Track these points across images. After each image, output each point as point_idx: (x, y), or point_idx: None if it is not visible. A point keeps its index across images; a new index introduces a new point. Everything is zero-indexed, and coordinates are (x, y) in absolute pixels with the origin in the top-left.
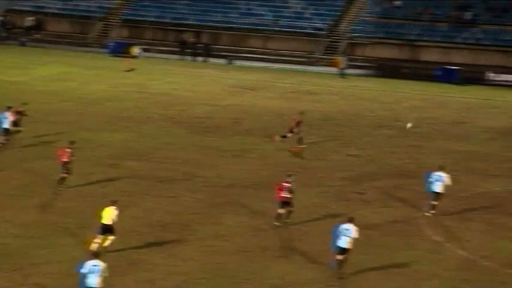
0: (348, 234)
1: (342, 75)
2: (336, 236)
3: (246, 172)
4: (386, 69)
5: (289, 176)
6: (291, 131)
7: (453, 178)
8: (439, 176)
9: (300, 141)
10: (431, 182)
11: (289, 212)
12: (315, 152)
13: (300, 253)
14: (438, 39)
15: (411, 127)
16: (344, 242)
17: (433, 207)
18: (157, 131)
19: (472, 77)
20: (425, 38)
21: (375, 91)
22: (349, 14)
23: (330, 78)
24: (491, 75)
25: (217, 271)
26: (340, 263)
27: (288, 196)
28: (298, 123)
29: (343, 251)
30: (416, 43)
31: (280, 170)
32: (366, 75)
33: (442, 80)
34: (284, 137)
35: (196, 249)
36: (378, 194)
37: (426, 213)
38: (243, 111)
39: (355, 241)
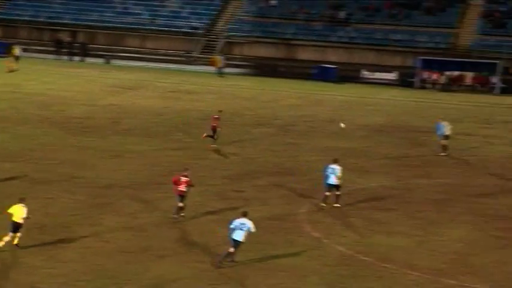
0: (243, 229)
1: (220, 74)
2: (231, 229)
3: (125, 172)
4: (264, 68)
5: (186, 169)
6: (215, 130)
7: None
8: (333, 168)
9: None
10: (326, 175)
11: (182, 208)
12: (196, 151)
13: (182, 252)
14: (313, 38)
15: (343, 127)
16: (239, 236)
17: (330, 198)
18: (34, 132)
19: (347, 75)
20: (300, 37)
21: (253, 90)
22: (226, 13)
23: (209, 77)
24: (366, 74)
25: (98, 272)
26: (228, 255)
27: (184, 190)
28: (216, 120)
29: (237, 243)
30: (292, 42)
31: (159, 169)
32: (244, 74)
33: (318, 79)
34: (211, 137)
35: (76, 251)
36: (258, 192)
37: (335, 205)
38: (122, 111)
39: (250, 235)
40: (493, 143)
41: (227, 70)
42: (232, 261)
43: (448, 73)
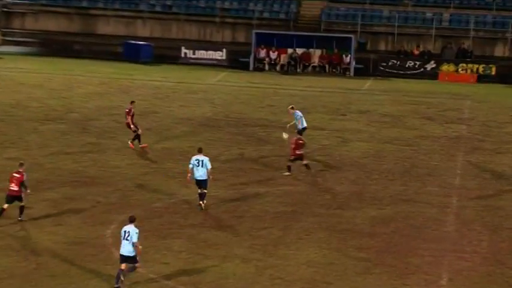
0: (128, 238)
1: None
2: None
3: None
4: (54, 46)
5: (21, 165)
6: (134, 125)
7: (145, 185)
8: (199, 159)
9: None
10: (193, 170)
11: (22, 208)
12: None
13: None
14: (117, 6)
15: (286, 137)
16: (126, 249)
17: (201, 197)
18: None
19: (163, 54)
20: (101, 5)
21: (40, 74)
22: None
23: None
24: (187, 52)
25: None
26: (123, 274)
27: (16, 189)
28: (130, 113)
29: (126, 260)
30: (90, 12)
31: None
32: (28, 54)
33: (126, 59)
34: (137, 136)
35: None
36: (49, 208)
37: (201, 203)
38: None
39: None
40: (349, 139)
41: (4, 49)
42: (120, 279)
43: (290, 51)
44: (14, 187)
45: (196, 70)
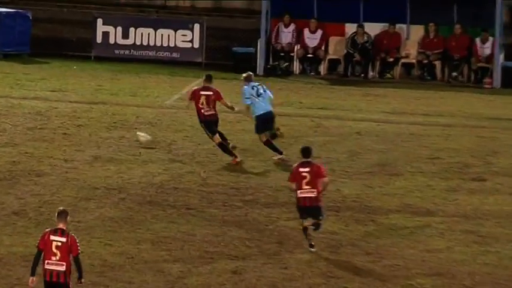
0: None
1: None
2: None
3: None
4: None
5: None
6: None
7: None
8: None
9: None
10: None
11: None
12: None
13: None
14: None
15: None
16: None
17: None
18: None
19: (54, 37)
20: None
21: None
22: None
23: None
24: (109, 33)
25: None
26: None
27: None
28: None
29: None
30: None
31: None
32: None
33: None
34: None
35: None
36: None
37: None
38: None
39: None
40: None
41: None
42: None
43: (352, 30)
44: None
45: (134, 75)
